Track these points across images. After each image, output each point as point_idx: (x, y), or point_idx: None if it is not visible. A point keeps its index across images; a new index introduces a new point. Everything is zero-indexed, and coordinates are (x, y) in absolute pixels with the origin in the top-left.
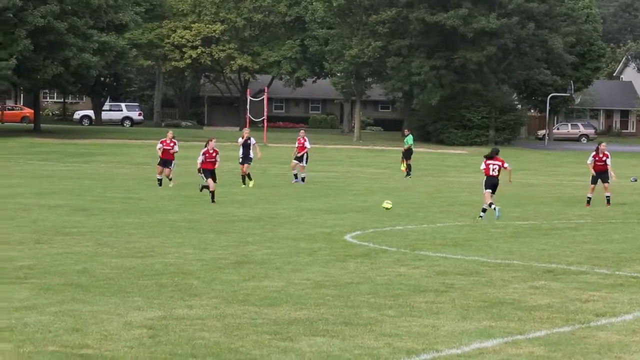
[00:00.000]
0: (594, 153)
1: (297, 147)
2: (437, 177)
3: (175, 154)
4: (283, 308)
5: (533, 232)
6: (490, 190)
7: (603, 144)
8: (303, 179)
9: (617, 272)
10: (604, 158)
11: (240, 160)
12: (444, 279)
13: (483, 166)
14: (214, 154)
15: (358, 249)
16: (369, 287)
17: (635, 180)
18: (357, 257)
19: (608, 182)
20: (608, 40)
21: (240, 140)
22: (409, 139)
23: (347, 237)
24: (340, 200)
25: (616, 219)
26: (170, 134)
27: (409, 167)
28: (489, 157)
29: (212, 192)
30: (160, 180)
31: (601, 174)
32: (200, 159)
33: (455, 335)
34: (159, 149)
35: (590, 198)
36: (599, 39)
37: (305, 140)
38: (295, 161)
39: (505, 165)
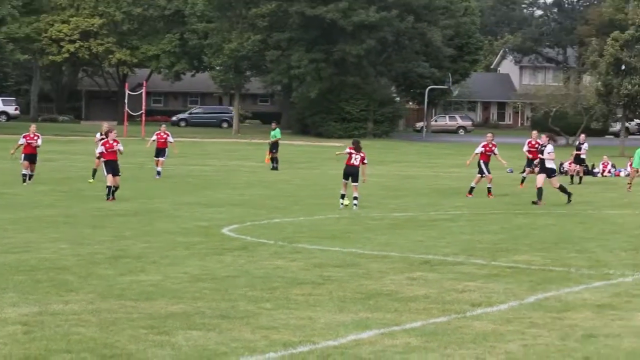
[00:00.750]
0: (484, 143)
1: (157, 141)
2: (315, 169)
3: (37, 148)
4: (159, 302)
5: (410, 224)
6: (346, 181)
7: (489, 134)
8: (159, 173)
9: (492, 263)
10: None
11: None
12: (321, 271)
13: (347, 151)
14: (114, 144)
15: (235, 242)
16: (246, 280)
17: (512, 172)
18: (235, 250)
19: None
20: (486, 33)
21: (98, 135)
22: (277, 132)
23: (225, 230)
24: (218, 193)
25: (492, 210)
26: (33, 127)
27: (275, 160)
28: (354, 148)
29: (109, 188)
30: (25, 176)
31: (487, 164)
32: (99, 149)
33: (332, 327)
34: (21, 144)
35: (473, 187)
36: (477, 32)
37: (167, 135)
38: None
39: (365, 161)
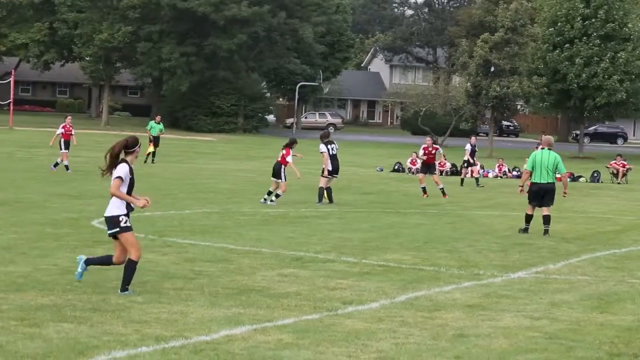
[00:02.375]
0: (424, 146)
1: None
2: (186, 163)
3: None
4: (29, 294)
5: (281, 220)
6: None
7: (429, 138)
8: (67, 167)
9: (363, 261)
10: (434, 151)
11: None
12: (192, 266)
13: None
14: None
15: (106, 235)
16: (116, 273)
17: (382, 170)
18: (105, 243)
19: (435, 174)
20: (357, 31)
21: None
22: (160, 126)
23: (95, 222)
24: (87, 185)
25: (362, 208)
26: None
27: (153, 154)
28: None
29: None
30: None
31: (429, 166)
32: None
33: (204, 322)
34: None
35: (424, 187)
36: (348, 29)
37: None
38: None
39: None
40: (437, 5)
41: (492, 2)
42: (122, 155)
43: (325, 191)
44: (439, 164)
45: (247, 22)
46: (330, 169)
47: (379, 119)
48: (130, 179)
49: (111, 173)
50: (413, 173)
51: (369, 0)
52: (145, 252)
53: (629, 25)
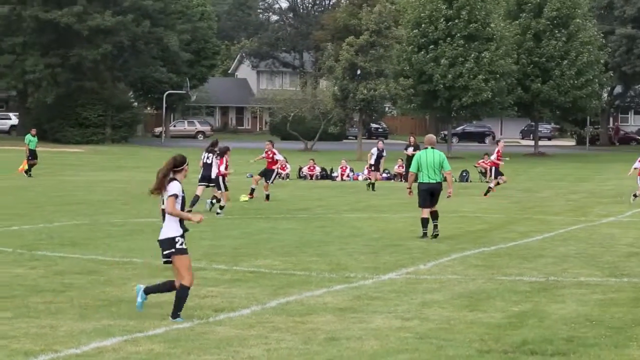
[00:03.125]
0: (266, 150)
1: None
2: (54, 176)
3: None
4: None
5: (152, 229)
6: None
7: (268, 142)
8: None
9: (234, 267)
10: (272, 155)
11: None
12: (62, 279)
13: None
14: None
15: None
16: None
17: (252, 176)
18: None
19: (268, 182)
20: (223, 38)
21: None
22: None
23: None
24: None
25: (233, 215)
26: None
27: (29, 167)
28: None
29: None
30: None
31: (267, 171)
32: None
33: (74, 335)
34: None
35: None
36: (214, 36)
37: None
38: None
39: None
40: (301, 10)
41: (356, 6)
42: (170, 174)
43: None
44: (309, 168)
45: (111, 32)
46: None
47: (248, 125)
48: (182, 197)
49: (161, 192)
50: (283, 178)
51: (234, 7)
52: (13, 266)
53: (492, 25)
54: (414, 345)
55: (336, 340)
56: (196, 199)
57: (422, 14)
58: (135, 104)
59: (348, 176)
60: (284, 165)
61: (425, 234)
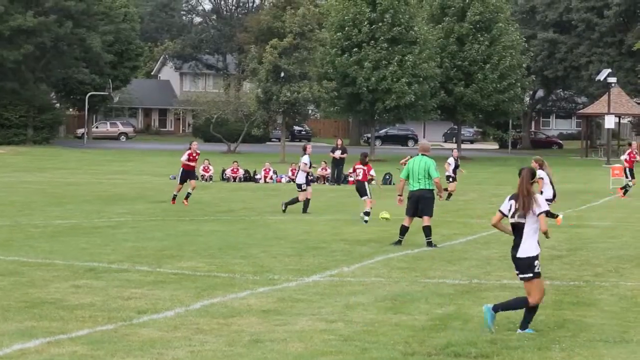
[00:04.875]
0: (189, 151)
1: None
2: None
3: None
4: None
5: (74, 231)
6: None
7: (194, 143)
8: None
9: (158, 269)
10: (197, 157)
11: None
12: None
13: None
14: None
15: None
16: None
17: (174, 178)
18: None
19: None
20: (146, 39)
21: None
22: None
23: None
24: None
25: (156, 217)
26: None
27: None
28: None
29: None
30: None
31: (189, 172)
32: None
33: None
34: None
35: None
36: (137, 38)
37: None
38: None
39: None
40: (225, 12)
41: (279, 8)
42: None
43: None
44: (232, 170)
45: (33, 33)
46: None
47: (171, 127)
48: None
49: (529, 211)
50: (206, 180)
51: (157, 8)
52: None
53: (415, 28)
54: (337, 348)
55: (260, 343)
56: None
57: (345, 17)
58: (58, 105)
59: (271, 178)
60: (207, 167)
61: (399, 242)
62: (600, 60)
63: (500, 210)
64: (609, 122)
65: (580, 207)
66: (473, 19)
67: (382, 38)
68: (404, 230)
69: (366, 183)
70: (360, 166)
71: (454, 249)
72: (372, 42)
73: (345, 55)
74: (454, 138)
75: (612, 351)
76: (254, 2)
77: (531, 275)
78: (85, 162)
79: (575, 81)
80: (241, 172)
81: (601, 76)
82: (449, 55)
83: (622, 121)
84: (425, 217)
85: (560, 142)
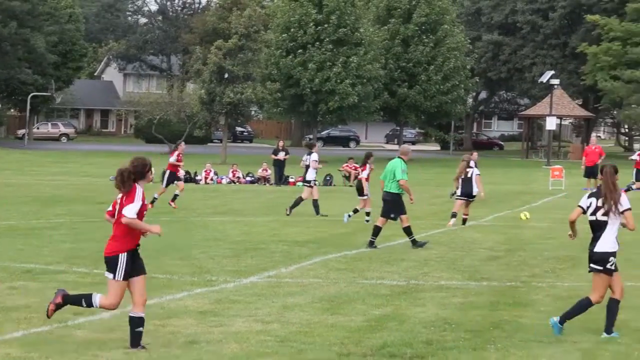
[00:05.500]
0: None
1: None
2: None
3: None
4: None
5: (11, 233)
6: None
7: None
8: None
9: (95, 271)
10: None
11: None
12: None
13: None
14: None
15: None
16: None
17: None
18: None
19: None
20: (91, 40)
21: None
22: None
23: None
24: None
25: (95, 218)
26: None
27: None
28: None
29: None
30: None
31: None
32: None
33: None
34: None
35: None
36: (81, 38)
37: None
38: None
39: None
40: (171, 13)
41: (225, 9)
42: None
43: None
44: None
45: None
46: None
47: (113, 127)
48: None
49: (615, 207)
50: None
51: (102, 9)
52: None
53: (361, 30)
54: (274, 349)
55: (196, 344)
56: None
57: (291, 18)
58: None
59: (212, 179)
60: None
61: (371, 243)
62: (544, 62)
63: (579, 206)
64: (550, 124)
65: (519, 207)
66: (419, 21)
67: (327, 39)
68: (376, 230)
69: (367, 183)
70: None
71: (393, 250)
72: (318, 43)
73: (290, 57)
74: (396, 139)
75: (546, 351)
76: (200, 3)
77: (601, 269)
78: (26, 163)
79: (519, 83)
80: (182, 173)
81: (544, 78)
82: (394, 57)
83: (563, 123)
84: (404, 217)
85: (502, 143)
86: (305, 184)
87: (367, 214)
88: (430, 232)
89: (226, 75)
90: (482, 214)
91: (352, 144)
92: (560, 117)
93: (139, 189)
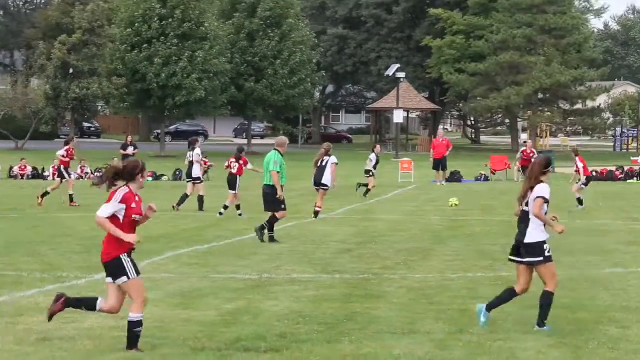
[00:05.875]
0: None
1: None
2: None
3: None
4: None
5: None
6: None
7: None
8: None
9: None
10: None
11: None
12: None
13: None
14: None
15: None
16: None
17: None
18: None
19: None
20: None
21: None
22: None
23: None
24: None
25: None
26: None
27: None
28: None
29: None
30: None
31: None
32: None
33: None
34: None
35: None
36: None
37: None
38: None
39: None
40: (12, 8)
41: (68, 4)
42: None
43: None
44: (20, 167)
45: None
46: None
47: None
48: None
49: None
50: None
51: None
52: None
53: (206, 24)
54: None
55: (49, 341)
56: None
57: (135, 13)
58: None
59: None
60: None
61: (261, 235)
62: (389, 55)
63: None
64: (398, 117)
65: (369, 200)
66: (263, 15)
67: (172, 34)
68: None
69: (238, 177)
70: (234, 160)
71: (244, 244)
72: (163, 38)
73: (136, 52)
74: (244, 133)
75: (400, 342)
76: None
77: (541, 259)
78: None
79: (365, 76)
80: (29, 169)
81: (390, 71)
82: (240, 51)
83: (410, 116)
84: (280, 212)
85: (350, 136)
86: (191, 180)
87: (238, 207)
88: (283, 225)
89: (71, 71)
90: (333, 206)
91: (201, 139)
92: (407, 110)
93: (121, 191)
